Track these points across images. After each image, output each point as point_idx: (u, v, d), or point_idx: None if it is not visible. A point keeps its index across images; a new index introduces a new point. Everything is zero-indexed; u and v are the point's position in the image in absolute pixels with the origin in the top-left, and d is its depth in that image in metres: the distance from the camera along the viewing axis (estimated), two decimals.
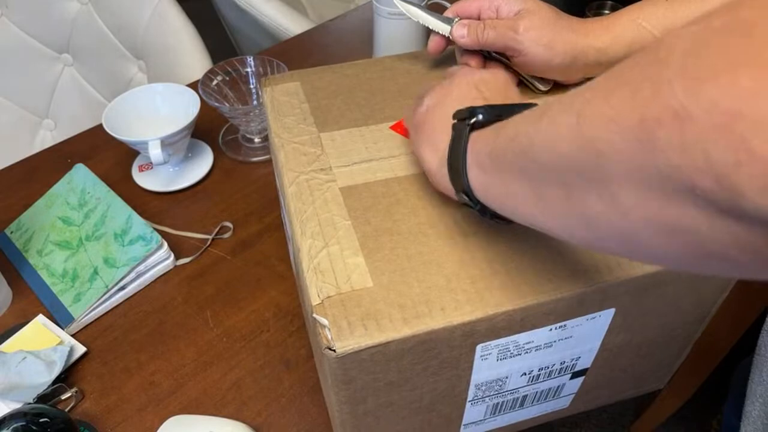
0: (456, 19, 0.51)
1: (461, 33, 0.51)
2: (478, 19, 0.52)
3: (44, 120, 1.24)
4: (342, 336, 0.36)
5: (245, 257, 0.68)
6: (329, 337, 0.36)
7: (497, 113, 0.35)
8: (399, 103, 0.52)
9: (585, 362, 0.47)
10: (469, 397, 0.46)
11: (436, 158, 0.40)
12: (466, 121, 0.35)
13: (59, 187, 0.73)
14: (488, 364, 0.42)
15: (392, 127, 0.50)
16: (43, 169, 0.79)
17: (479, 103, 0.37)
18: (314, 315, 0.37)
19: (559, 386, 0.49)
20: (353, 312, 0.37)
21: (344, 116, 0.51)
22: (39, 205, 0.72)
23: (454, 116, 0.37)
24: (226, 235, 0.70)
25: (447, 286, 0.39)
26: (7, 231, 0.71)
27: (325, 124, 0.50)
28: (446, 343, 0.38)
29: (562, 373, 0.48)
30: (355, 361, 0.37)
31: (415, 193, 0.45)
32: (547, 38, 0.48)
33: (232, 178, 0.78)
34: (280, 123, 0.51)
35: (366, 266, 0.40)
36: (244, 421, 0.53)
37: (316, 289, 0.39)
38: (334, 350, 0.36)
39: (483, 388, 0.45)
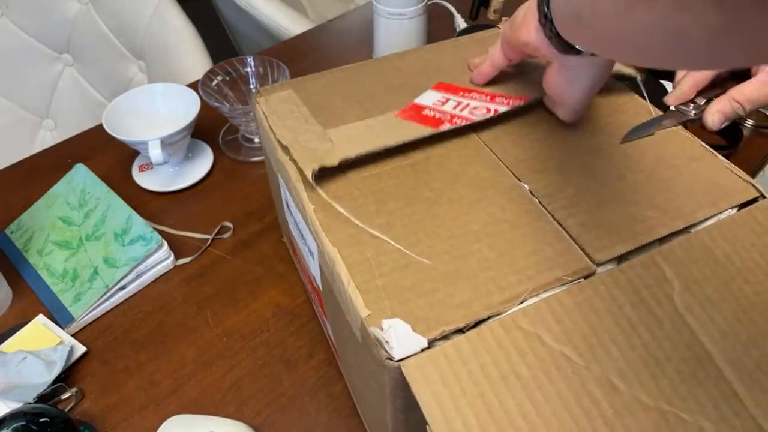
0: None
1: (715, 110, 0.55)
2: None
3: (44, 120, 1.24)
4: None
5: (245, 257, 0.68)
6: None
7: None
8: (397, 96, 0.52)
9: None
10: None
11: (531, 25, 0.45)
12: None
13: (59, 187, 0.73)
14: None
15: (398, 114, 0.50)
16: (43, 169, 0.79)
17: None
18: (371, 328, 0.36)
19: None
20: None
21: (346, 113, 0.51)
22: (39, 205, 0.72)
23: None
24: (226, 235, 0.70)
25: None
26: (8, 231, 0.71)
27: (328, 122, 0.50)
28: None
29: None
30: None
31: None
32: None
33: (232, 178, 0.78)
34: (282, 125, 0.50)
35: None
36: (244, 421, 0.53)
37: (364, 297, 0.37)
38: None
39: None
